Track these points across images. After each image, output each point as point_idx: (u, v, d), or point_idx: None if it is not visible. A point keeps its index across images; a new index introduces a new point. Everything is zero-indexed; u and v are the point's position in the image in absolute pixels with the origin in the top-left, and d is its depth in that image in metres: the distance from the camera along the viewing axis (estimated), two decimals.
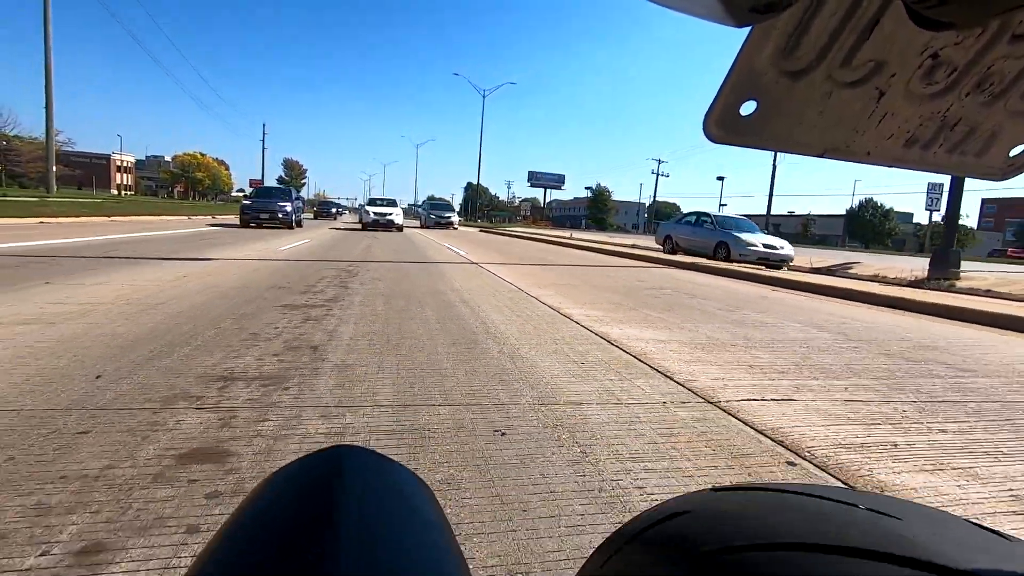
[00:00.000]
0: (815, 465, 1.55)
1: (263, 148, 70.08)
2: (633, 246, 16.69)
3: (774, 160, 43.80)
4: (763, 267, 10.41)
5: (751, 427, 1.83)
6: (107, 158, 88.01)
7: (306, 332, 2.92)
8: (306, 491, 0.31)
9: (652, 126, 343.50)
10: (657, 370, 2.51)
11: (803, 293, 6.69)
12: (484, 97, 49.19)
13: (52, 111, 23.93)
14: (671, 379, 2.37)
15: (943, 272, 10.52)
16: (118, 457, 1.40)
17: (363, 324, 3.21)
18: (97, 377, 2.02)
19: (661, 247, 15.16)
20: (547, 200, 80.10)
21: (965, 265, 23.16)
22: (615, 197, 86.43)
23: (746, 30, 0.32)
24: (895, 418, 2.01)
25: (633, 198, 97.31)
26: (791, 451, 1.65)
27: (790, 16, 0.31)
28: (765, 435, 1.77)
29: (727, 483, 1.53)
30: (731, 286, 7.00)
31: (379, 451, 0.36)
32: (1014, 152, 0.41)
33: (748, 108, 0.35)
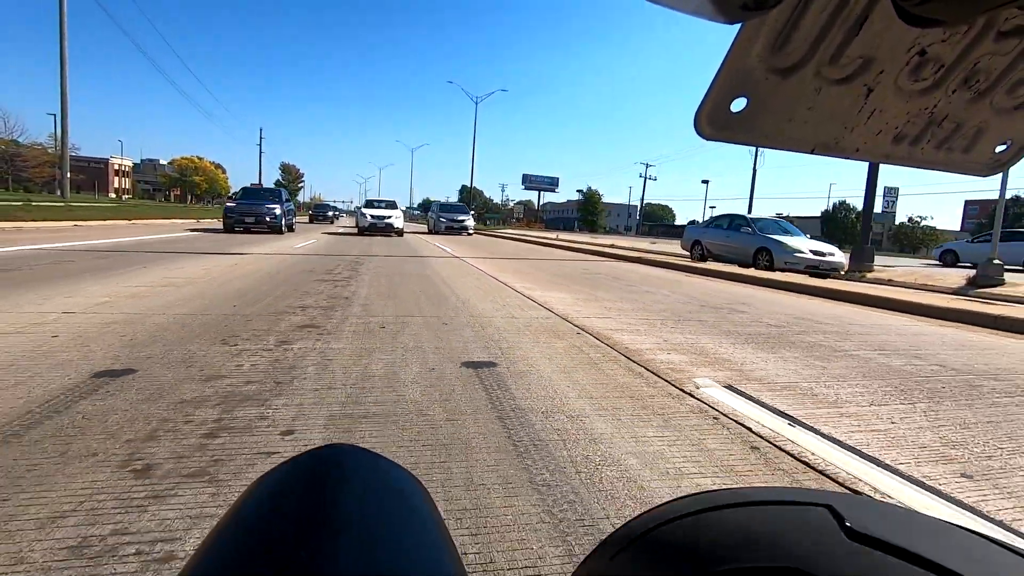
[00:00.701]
0: (588, 333, 3.36)
1: (260, 152, 71.57)
2: (612, 246, 18.36)
3: (754, 164, 45.77)
4: (808, 276, 9.46)
5: (572, 324, 3.65)
6: (105, 162, 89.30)
7: (338, 292, 4.70)
8: (300, 489, 0.32)
9: (644, 130, 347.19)
10: (546, 308, 4.32)
11: (715, 279, 8.51)
12: (477, 104, 51.11)
13: (67, 123, 25.56)
14: (550, 311, 4.18)
15: (859, 265, 12.41)
16: (271, 327, 3.18)
17: (373, 289, 5.00)
18: (233, 306, 3.79)
19: (688, 254, 13.62)
20: (541, 202, 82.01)
21: (909, 261, 25.06)
22: (608, 200, 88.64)
23: (736, 27, 0.32)
24: (656, 324, 3.82)
25: (624, 200, 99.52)
26: (583, 330, 3.45)
27: (779, 13, 0.31)
28: (577, 326, 3.57)
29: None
30: (663, 274, 8.81)
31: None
32: (999, 148, 0.42)
33: (739, 105, 0.36)
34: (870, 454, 1.72)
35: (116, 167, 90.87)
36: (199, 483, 1.34)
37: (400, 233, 18.30)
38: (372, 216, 17.87)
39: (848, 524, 0.23)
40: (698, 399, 2.20)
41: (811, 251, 10.67)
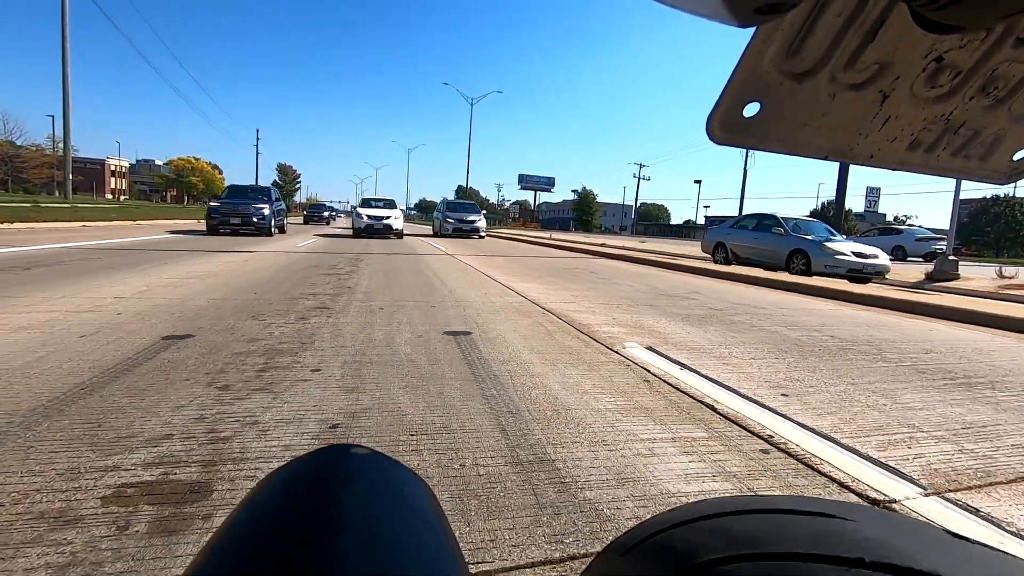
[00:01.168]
0: (552, 313, 4.07)
1: (257, 153, 71.95)
2: (602, 245, 18.94)
3: (745, 164, 46.72)
4: (848, 280, 8.75)
5: (540, 307, 4.36)
6: (102, 163, 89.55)
7: (342, 283, 5.40)
8: (306, 489, 0.32)
9: (639, 130, 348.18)
10: (521, 295, 5.03)
11: (683, 273, 9.23)
12: (472, 105, 51.84)
13: (69, 126, 26.16)
14: (524, 297, 4.89)
15: None
16: (290, 308, 3.88)
17: (372, 281, 5.70)
18: (254, 293, 4.48)
19: (710, 257, 12.81)
20: (537, 202, 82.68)
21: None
22: (603, 199, 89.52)
23: (750, 31, 0.32)
24: (611, 307, 4.53)
25: (619, 200, 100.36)
26: (547, 311, 4.16)
27: (794, 18, 0.31)
28: (544, 308, 4.28)
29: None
30: (638, 269, 9.53)
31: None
32: (1018, 156, 0.41)
33: (752, 110, 0.35)
34: (726, 384, 2.43)
35: (112, 168, 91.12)
36: (262, 393, 2.04)
37: (399, 235, 17.16)
38: (369, 216, 16.65)
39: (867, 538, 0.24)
40: (620, 355, 2.91)
41: (853, 253, 9.72)
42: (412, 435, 1.72)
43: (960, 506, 1.42)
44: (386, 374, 2.35)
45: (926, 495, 1.48)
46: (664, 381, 2.44)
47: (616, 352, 2.96)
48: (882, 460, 1.69)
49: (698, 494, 1.43)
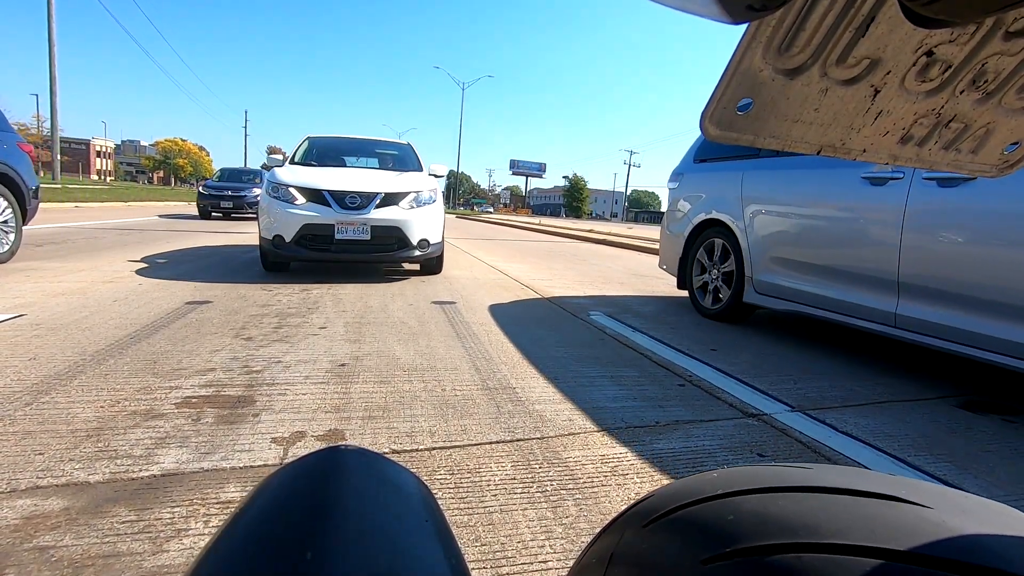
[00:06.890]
0: (496, 269, 4.53)
1: (245, 134, 71.17)
2: (590, 231, 19.25)
3: None
4: None
5: (492, 267, 4.82)
6: (87, 144, 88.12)
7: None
8: (305, 491, 0.33)
9: (632, 117, 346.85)
10: (504, 273, 5.48)
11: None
12: (464, 89, 51.65)
13: (56, 105, 25.90)
14: (506, 274, 5.35)
15: None
16: (293, 280, 4.29)
17: None
18: (258, 270, 4.88)
19: None
20: (528, 188, 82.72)
21: None
22: (594, 186, 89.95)
23: (742, 28, 0.32)
24: (556, 269, 5.01)
25: (610, 187, 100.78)
26: (495, 269, 4.62)
27: (785, 14, 0.32)
28: (495, 267, 4.74)
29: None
30: (615, 252, 10.01)
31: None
32: (1009, 149, 0.42)
33: (744, 105, 0.36)
34: (665, 341, 2.91)
35: (98, 148, 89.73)
36: (280, 342, 2.48)
37: (433, 261, 4.78)
38: (317, 197, 4.38)
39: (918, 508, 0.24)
40: (584, 320, 3.38)
41: None
42: (405, 371, 2.17)
43: (814, 418, 1.92)
44: (381, 333, 2.80)
45: (791, 411, 1.97)
46: (615, 339, 2.92)
47: (580, 318, 3.43)
48: (767, 391, 2.18)
49: (620, 408, 1.90)
